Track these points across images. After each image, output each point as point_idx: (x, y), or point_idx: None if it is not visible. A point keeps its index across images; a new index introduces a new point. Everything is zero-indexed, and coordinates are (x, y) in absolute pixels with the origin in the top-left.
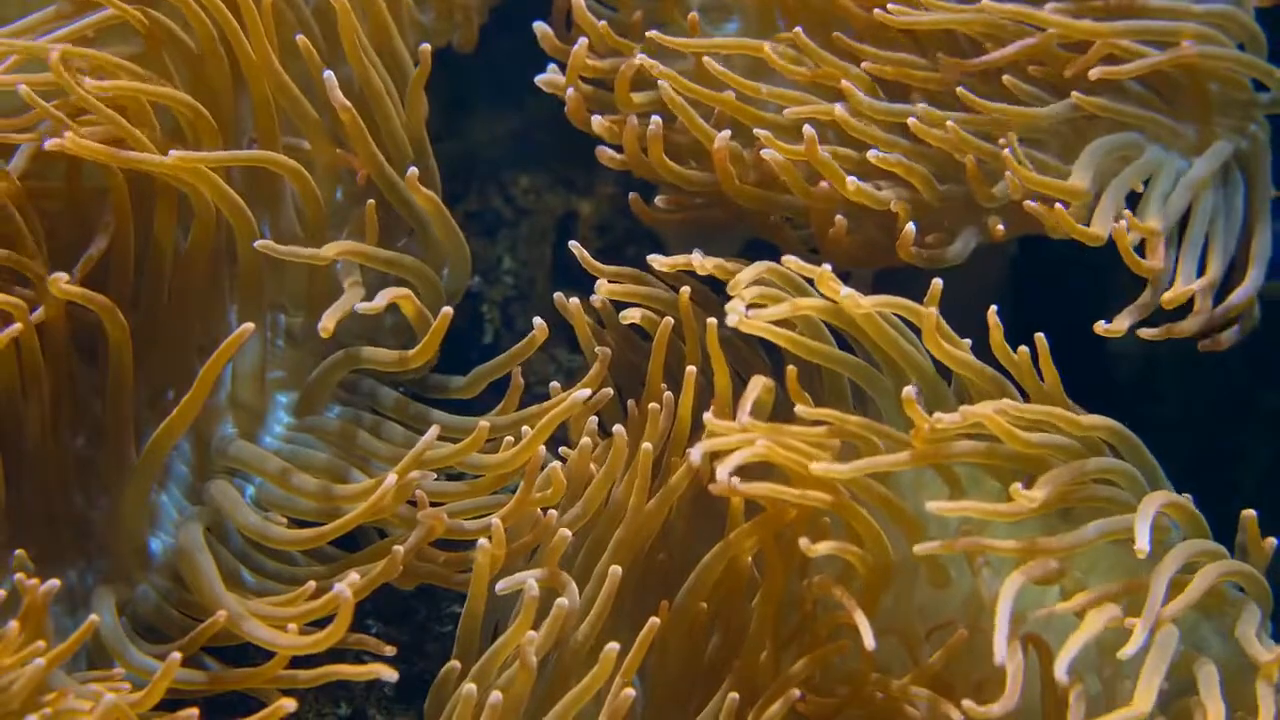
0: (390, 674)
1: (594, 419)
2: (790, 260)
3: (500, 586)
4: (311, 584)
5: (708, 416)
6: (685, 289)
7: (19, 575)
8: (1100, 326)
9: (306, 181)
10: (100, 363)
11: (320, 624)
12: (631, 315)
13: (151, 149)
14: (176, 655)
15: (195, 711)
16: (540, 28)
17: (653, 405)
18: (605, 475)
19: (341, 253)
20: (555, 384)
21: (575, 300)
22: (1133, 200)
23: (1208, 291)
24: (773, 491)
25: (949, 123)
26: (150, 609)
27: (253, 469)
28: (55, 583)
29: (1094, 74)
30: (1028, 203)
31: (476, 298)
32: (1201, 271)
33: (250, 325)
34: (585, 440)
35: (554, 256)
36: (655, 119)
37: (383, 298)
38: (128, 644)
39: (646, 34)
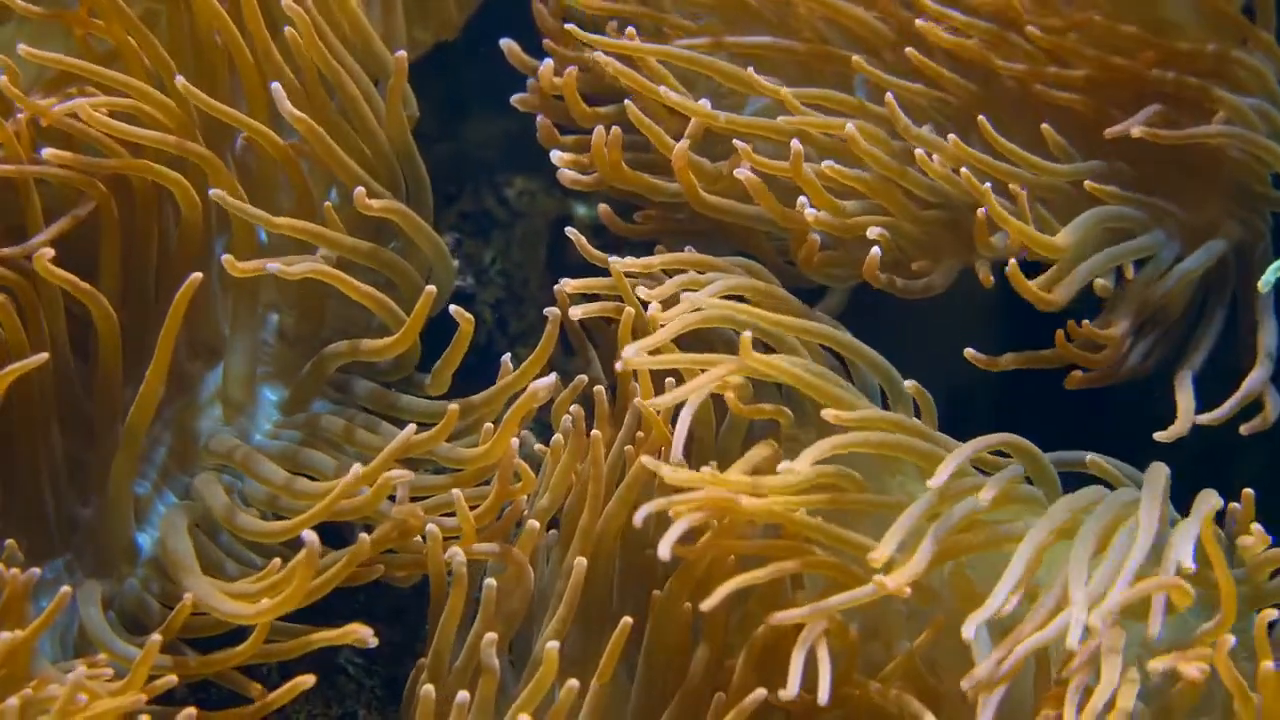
0: (367, 632)
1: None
2: (714, 313)
3: (454, 559)
4: (277, 560)
5: (666, 471)
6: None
7: None
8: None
9: (297, 170)
10: (91, 361)
11: (300, 616)
12: (576, 312)
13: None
14: (156, 637)
15: (194, 711)
16: (508, 45)
17: (598, 389)
18: (566, 464)
19: (305, 232)
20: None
21: (567, 284)
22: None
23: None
24: (750, 579)
25: (964, 170)
26: (137, 603)
27: (239, 465)
28: (36, 571)
29: (1136, 133)
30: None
31: (470, 299)
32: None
33: (199, 275)
34: (557, 437)
35: (548, 258)
36: (615, 129)
37: (301, 266)
38: (113, 636)
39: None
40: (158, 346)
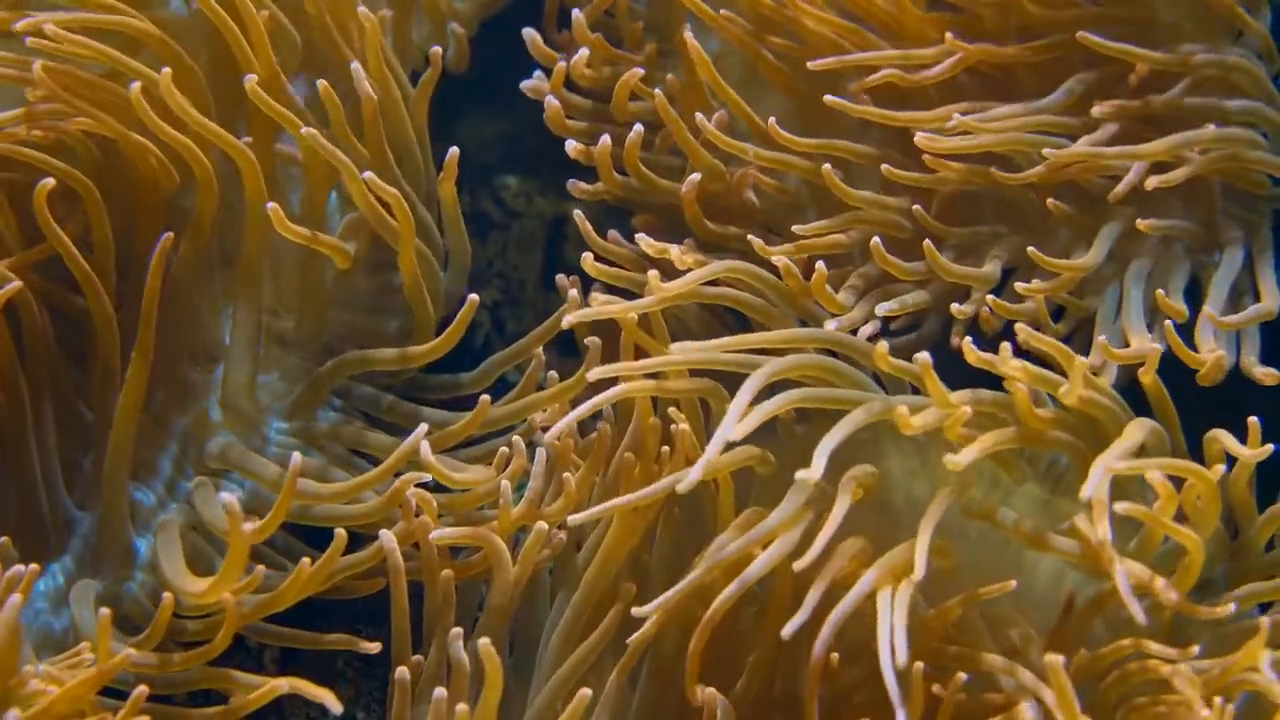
0: (335, 706)
1: None
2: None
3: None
4: (261, 568)
5: None
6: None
7: None
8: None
9: (320, 166)
10: (89, 364)
11: (299, 618)
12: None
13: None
14: (105, 611)
15: (146, 689)
16: (530, 34)
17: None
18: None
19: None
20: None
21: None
22: None
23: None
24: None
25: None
26: (133, 606)
27: (242, 472)
28: (20, 568)
29: (1151, 183)
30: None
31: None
32: None
33: (170, 235)
34: (566, 441)
35: (544, 260)
36: (637, 127)
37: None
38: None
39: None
40: (142, 309)
